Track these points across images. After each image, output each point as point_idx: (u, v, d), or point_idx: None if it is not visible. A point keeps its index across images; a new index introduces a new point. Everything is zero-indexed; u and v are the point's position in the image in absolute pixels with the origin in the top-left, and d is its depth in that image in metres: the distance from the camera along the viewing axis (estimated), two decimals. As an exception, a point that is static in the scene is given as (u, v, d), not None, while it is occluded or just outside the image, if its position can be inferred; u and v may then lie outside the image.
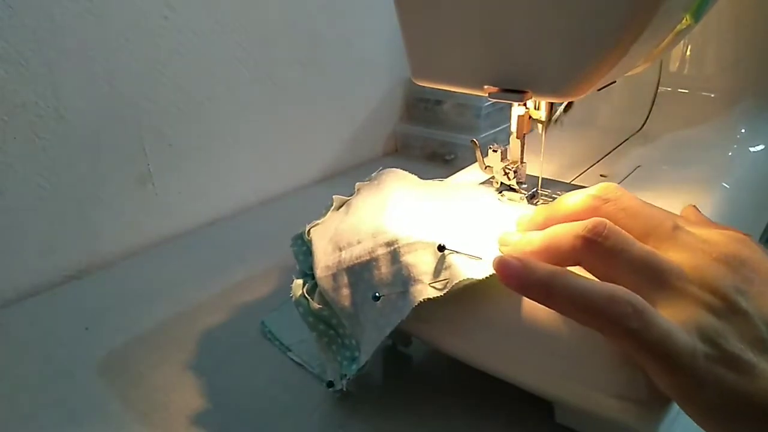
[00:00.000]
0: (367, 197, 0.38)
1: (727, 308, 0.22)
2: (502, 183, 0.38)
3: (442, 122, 0.84)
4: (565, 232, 0.25)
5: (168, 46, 0.56)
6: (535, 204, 0.37)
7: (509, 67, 0.30)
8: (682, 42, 0.49)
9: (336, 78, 0.76)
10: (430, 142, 0.84)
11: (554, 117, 0.37)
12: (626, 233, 0.24)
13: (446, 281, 0.29)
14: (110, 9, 0.51)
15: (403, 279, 0.31)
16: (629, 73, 0.34)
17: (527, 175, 0.38)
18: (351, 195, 0.42)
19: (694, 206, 0.30)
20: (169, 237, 0.62)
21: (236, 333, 0.44)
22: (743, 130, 0.47)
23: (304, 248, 0.39)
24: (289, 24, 0.67)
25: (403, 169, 0.42)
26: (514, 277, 0.24)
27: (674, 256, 0.24)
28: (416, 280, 0.30)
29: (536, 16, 0.27)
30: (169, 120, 0.58)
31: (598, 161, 0.46)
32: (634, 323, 0.21)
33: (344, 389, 0.35)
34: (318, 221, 0.40)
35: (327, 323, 0.35)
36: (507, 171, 0.37)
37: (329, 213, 0.41)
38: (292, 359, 0.41)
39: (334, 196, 0.42)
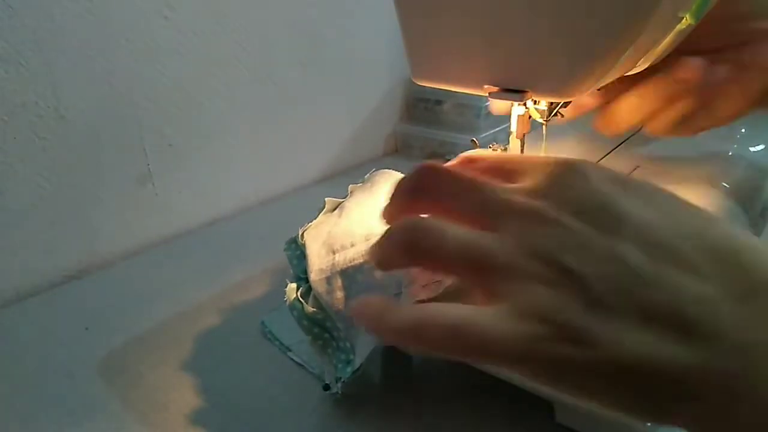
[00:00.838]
0: (360, 199, 0.39)
1: (559, 274, 0.20)
2: None
3: (442, 122, 0.84)
4: (381, 244, 0.23)
5: (168, 46, 0.56)
6: None
7: (509, 67, 0.30)
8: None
9: (336, 78, 0.76)
10: (430, 142, 0.84)
11: (555, 110, 0.37)
12: (440, 227, 0.22)
13: (439, 282, 0.29)
14: (110, 9, 0.51)
15: (397, 281, 0.31)
16: (629, 73, 0.34)
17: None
18: (344, 197, 0.42)
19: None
20: (169, 237, 0.62)
21: (236, 333, 0.44)
22: (743, 130, 0.47)
23: (297, 252, 0.39)
24: (289, 24, 0.67)
25: (404, 169, 0.42)
26: (358, 316, 0.22)
27: (504, 234, 0.21)
28: (410, 282, 0.30)
29: (536, 16, 0.27)
30: (169, 120, 0.58)
31: (597, 161, 0.46)
32: (452, 342, 0.20)
33: (339, 392, 0.35)
34: (310, 224, 0.40)
35: (322, 326, 0.35)
36: None
37: (321, 215, 0.41)
38: (292, 359, 0.41)
39: (326, 199, 0.42)
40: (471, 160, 0.26)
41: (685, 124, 0.39)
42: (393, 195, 0.25)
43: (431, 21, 0.31)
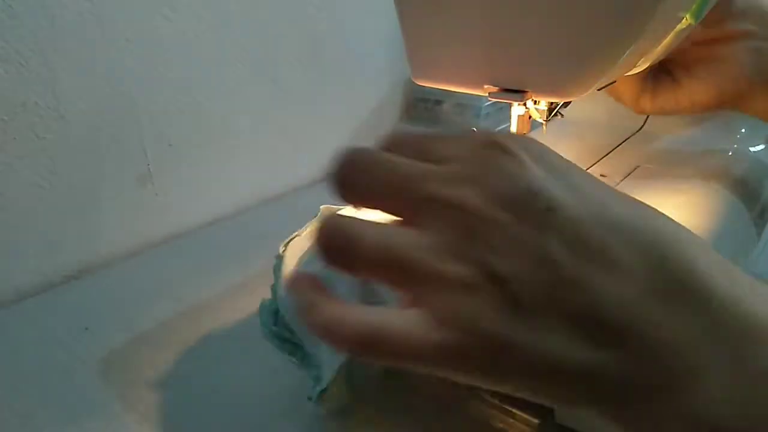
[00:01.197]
0: (354, 210, 0.36)
1: (482, 278, 0.18)
2: None
3: (442, 122, 0.84)
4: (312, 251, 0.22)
5: (169, 47, 0.56)
6: None
7: (509, 67, 0.30)
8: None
9: (336, 78, 0.76)
10: (430, 142, 0.84)
11: (555, 110, 0.37)
12: (353, 226, 0.20)
13: None
14: (111, 9, 0.51)
15: (376, 289, 0.30)
16: (629, 73, 0.34)
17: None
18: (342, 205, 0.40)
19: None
20: (169, 237, 0.62)
21: (236, 333, 0.44)
22: (743, 130, 0.47)
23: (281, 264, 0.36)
24: (289, 24, 0.67)
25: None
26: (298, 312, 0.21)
27: (422, 223, 0.20)
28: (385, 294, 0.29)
29: (536, 16, 0.27)
30: (169, 120, 0.58)
31: (597, 161, 0.46)
32: (377, 351, 0.19)
33: (315, 404, 0.33)
34: (297, 233, 0.38)
35: (292, 342, 0.34)
36: None
37: (311, 224, 0.38)
38: (292, 362, 0.40)
39: (321, 207, 0.40)
40: (396, 141, 0.23)
41: (649, 98, 0.41)
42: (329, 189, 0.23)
43: (431, 21, 0.31)
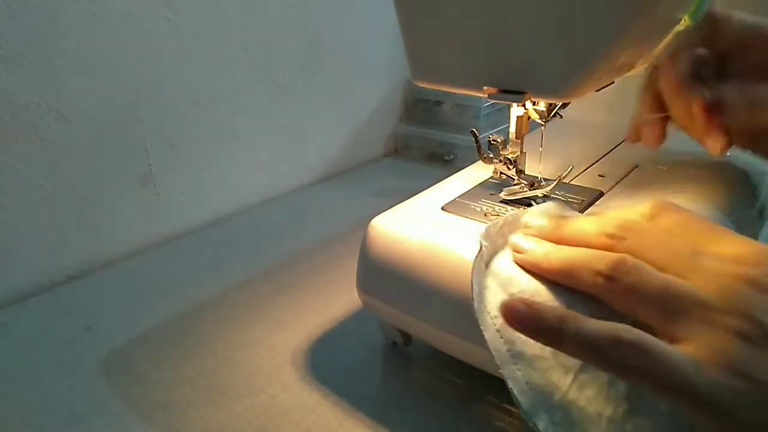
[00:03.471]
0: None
1: (762, 334, 0.20)
2: (501, 173, 0.39)
3: (441, 123, 0.84)
4: (585, 265, 0.25)
5: (169, 47, 0.56)
6: (537, 195, 0.37)
7: (508, 69, 0.30)
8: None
9: (336, 78, 0.77)
10: (430, 142, 0.84)
11: (553, 111, 0.37)
12: (647, 266, 0.23)
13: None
14: (112, 10, 0.51)
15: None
16: (628, 74, 0.34)
17: (526, 174, 0.38)
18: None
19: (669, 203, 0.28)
20: (171, 237, 0.62)
21: (237, 332, 0.45)
22: (741, 131, 0.47)
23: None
24: (289, 25, 0.68)
25: (403, 169, 0.41)
26: (522, 322, 0.24)
27: (699, 283, 0.22)
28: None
29: (535, 18, 0.28)
30: (170, 120, 0.59)
31: (596, 161, 0.46)
32: (640, 363, 0.21)
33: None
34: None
35: None
36: (506, 161, 0.37)
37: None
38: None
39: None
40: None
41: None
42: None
43: (431, 22, 0.31)
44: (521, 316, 0.24)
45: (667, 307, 0.22)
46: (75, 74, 0.50)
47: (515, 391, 0.25)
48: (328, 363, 0.41)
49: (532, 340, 0.26)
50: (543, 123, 0.37)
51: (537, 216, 0.30)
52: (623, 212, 0.28)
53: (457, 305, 0.31)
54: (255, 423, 0.36)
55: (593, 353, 0.22)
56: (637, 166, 0.44)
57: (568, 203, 0.37)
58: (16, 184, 0.49)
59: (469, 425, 0.35)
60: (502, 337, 0.26)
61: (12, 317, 0.48)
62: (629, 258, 0.24)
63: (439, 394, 0.38)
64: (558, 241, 0.28)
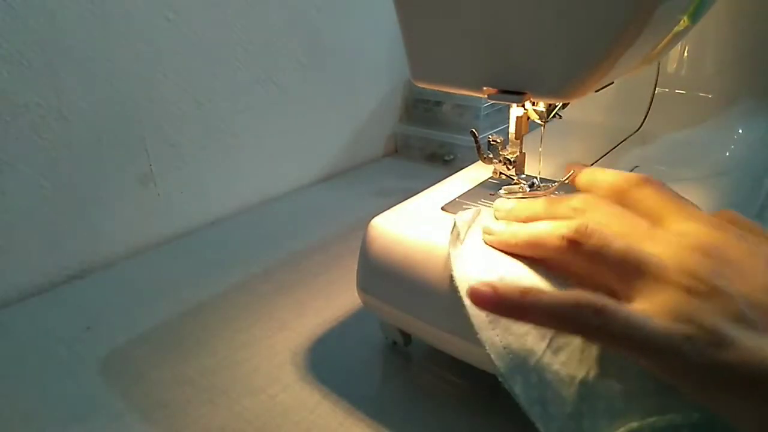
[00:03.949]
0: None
1: (708, 290, 0.23)
2: (501, 173, 0.39)
3: (441, 123, 0.84)
4: (550, 232, 0.27)
5: (170, 47, 0.56)
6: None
7: (508, 69, 0.30)
8: (679, 43, 0.49)
9: (336, 79, 0.77)
10: (430, 142, 0.84)
11: (553, 111, 0.37)
12: (607, 231, 0.26)
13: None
14: (112, 10, 0.51)
15: None
16: (628, 74, 0.34)
17: (526, 175, 0.38)
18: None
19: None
20: (171, 237, 0.62)
21: (237, 332, 0.45)
22: (740, 131, 0.47)
23: None
24: (289, 25, 0.68)
25: (403, 169, 0.42)
26: (488, 302, 0.26)
27: (654, 250, 0.25)
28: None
29: (535, 18, 0.28)
30: (170, 120, 0.59)
31: (596, 161, 0.46)
32: (598, 321, 0.22)
33: None
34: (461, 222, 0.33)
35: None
36: (506, 161, 0.37)
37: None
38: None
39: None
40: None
41: None
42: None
43: (431, 23, 0.31)
44: (486, 297, 0.25)
45: (626, 270, 0.24)
46: (75, 74, 0.50)
47: (492, 355, 0.27)
48: (328, 363, 0.41)
49: None
50: (543, 123, 0.37)
51: (507, 201, 0.33)
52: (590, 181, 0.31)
53: (456, 305, 0.31)
54: (255, 423, 0.36)
55: (556, 319, 0.24)
56: (637, 166, 0.44)
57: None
58: (15, 184, 0.49)
59: (469, 425, 0.35)
60: None
61: (12, 317, 0.48)
62: (591, 222, 0.26)
63: (439, 394, 0.38)
64: (526, 220, 0.30)
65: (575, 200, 0.29)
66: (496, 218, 0.33)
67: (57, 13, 0.48)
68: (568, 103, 0.37)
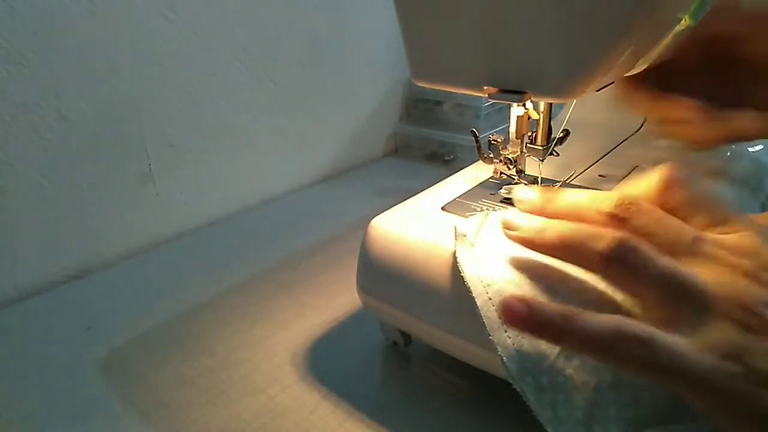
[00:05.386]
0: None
1: (761, 325, 0.21)
2: (501, 173, 0.39)
3: (441, 122, 0.84)
4: (583, 242, 0.24)
5: (169, 47, 0.56)
6: None
7: (508, 68, 0.30)
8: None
9: (336, 78, 0.77)
10: (430, 142, 0.84)
11: (551, 147, 0.37)
12: (648, 248, 0.23)
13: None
14: (112, 10, 0.51)
15: None
16: (628, 74, 0.34)
17: (526, 175, 0.38)
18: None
19: None
20: (170, 237, 0.62)
21: (237, 333, 0.45)
22: (741, 131, 0.47)
23: None
24: (289, 24, 0.68)
25: (403, 169, 0.41)
26: (520, 321, 0.23)
27: (700, 271, 0.23)
28: None
29: (535, 17, 0.27)
30: (170, 120, 0.59)
31: (596, 161, 0.46)
32: (643, 353, 0.21)
33: None
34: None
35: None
36: (507, 161, 0.37)
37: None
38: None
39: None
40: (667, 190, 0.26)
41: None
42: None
43: (431, 22, 0.31)
44: (519, 316, 0.23)
45: (667, 293, 0.22)
46: (75, 74, 0.50)
47: (504, 357, 0.26)
48: (328, 363, 0.41)
49: None
50: (540, 160, 0.37)
51: (527, 191, 0.30)
52: (626, 188, 0.27)
53: (456, 305, 0.31)
54: (255, 423, 0.36)
55: (596, 347, 0.22)
56: (637, 166, 0.44)
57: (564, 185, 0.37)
58: (15, 184, 0.49)
59: (469, 425, 0.35)
60: (493, 305, 0.27)
61: (12, 317, 0.48)
62: (630, 238, 0.23)
63: (439, 394, 0.37)
64: (551, 216, 0.27)
65: (612, 204, 0.25)
66: (518, 210, 0.30)
67: (57, 13, 0.48)
68: (566, 138, 0.37)
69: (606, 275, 0.25)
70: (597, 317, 0.22)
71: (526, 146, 0.37)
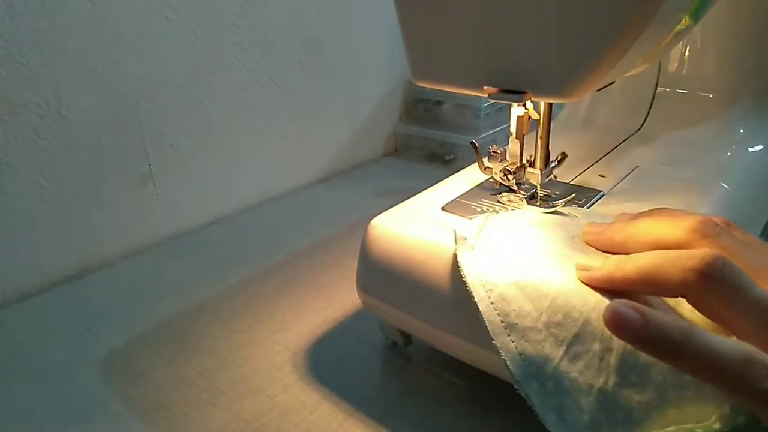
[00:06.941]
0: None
1: None
2: (501, 184, 0.39)
3: (441, 122, 0.84)
4: (672, 263, 0.22)
5: (169, 47, 0.56)
6: (536, 205, 0.37)
7: (508, 68, 0.30)
8: (680, 42, 0.49)
9: (336, 78, 0.77)
10: (430, 142, 0.84)
11: (550, 171, 0.37)
12: (744, 271, 0.21)
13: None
14: (111, 9, 0.51)
15: None
16: (628, 74, 0.34)
17: (527, 186, 0.38)
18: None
19: None
20: (170, 237, 0.62)
21: (237, 333, 0.45)
22: (742, 131, 0.47)
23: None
24: (289, 24, 0.68)
25: (403, 169, 0.41)
26: (631, 332, 0.21)
27: None
28: None
29: (536, 17, 0.27)
30: (170, 120, 0.59)
31: (597, 161, 0.46)
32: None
33: None
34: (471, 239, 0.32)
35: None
36: (506, 172, 0.37)
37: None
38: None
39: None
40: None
41: None
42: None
43: (431, 22, 0.31)
44: (632, 326, 0.21)
45: (766, 320, 0.20)
46: (74, 74, 0.50)
47: (507, 362, 0.26)
48: (328, 363, 0.41)
49: (526, 313, 0.26)
50: (538, 185, 0.37)
51: (597, 223, 0.29)
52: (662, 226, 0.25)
53: (457, 305, 0.31)
54: (254, 423, 0.35)
55: (717, 373, 0.20)
56: (638, 166, 0.44)
57: (568, 203, 0.37)
58: (14, 184, 0.49)
59: (469, 425, 0.35)
60: (496, 309, 0.27)
61: (12, 317, 0.48)
62: (726, 257, 0.21)
63: (439, 394, 0.37)
64: (623, 244, 0.26)
65: (696, 221, 0.23)
66: (585, 241, 0.29)
67: (56, 13, 0.48)
68: (564, 160, 0.38)
69: (697, 297, 0.22)
70: (721, 341, 0.20)
71: (524, 171, 0.37)
